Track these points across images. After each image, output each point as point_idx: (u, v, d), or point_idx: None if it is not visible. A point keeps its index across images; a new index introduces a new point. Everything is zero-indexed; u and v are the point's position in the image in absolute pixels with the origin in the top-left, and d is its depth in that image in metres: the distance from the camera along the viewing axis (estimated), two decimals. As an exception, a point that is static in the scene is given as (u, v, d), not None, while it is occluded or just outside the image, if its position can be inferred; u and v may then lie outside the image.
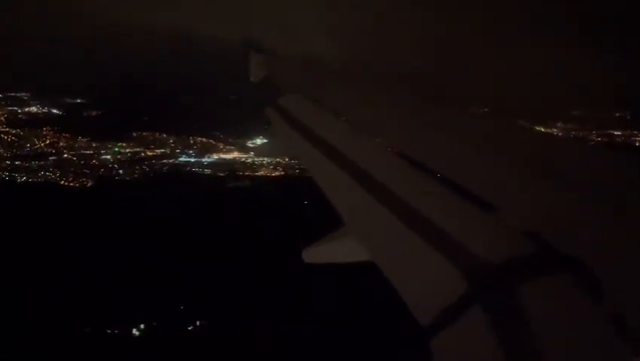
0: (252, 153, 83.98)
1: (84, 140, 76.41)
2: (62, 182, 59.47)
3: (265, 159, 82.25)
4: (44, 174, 61.15)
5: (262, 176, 74.46)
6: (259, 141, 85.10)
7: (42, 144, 71.71)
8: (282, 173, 76.39)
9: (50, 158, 67.58)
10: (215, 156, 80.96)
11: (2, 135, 71.73)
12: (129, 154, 75.93)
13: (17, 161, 64.12)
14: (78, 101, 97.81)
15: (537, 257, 1.73)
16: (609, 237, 1.69)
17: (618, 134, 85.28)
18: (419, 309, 1.87)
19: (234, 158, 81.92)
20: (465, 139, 2.77)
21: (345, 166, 3.08)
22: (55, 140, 74.36)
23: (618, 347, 1.40)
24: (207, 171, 73.98)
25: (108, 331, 33.69)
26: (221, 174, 72.54)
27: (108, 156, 73.23)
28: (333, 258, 3.04)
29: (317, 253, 3.18)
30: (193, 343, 33.15)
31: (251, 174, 75.01)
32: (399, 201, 2.46)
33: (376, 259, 2.33)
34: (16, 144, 70.06)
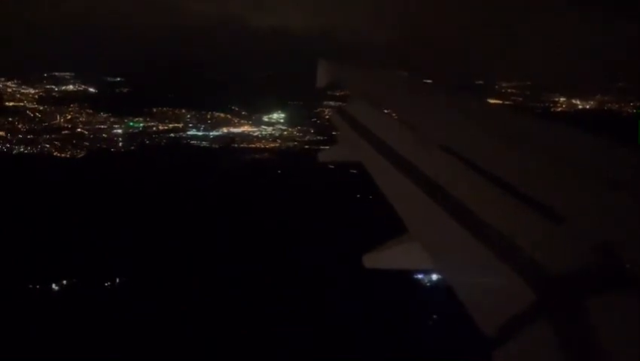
0: (264, 126, 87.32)
1: (105, 115, 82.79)
2: (55, 153, 65.71)
3: (267, 131, 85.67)
4: (43, 146, 67.59)
5: (255, 148, 77.82)
6: (275, 116, 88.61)
7: (62, 120, 78.68)
8: (278, 144, 79.54)
9: (63, 132, 74.23)
10: (225, 130, 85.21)
11: (28, 111, 79.39)
12: (140, 128, 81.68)
13: (30, 135, 71.12)
14: (118, 79, 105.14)
15: (608, 271, 1.67)
16: None
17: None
18: (484, 319, 1.85)
19: (242, 131, 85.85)
20: (537, 150, 2.71)
21: (411, 175, 3.03)
22: (77, 115, 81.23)
23: None
24: (204, 143, 78.36)
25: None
26: (215, 146, 76.65)
27: (120, 130, 79.16)
28: (395, 264, 3.06)
29: (378, 259, 3.19)
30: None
31: (246, 145, 78.53)
32: (466, 210, 2.42)
33: (441, 267, 2.34)
34: (37, 119, 77.42)
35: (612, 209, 1.97)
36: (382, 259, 3.16)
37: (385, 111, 4.51)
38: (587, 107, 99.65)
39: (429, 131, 3.68)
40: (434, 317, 34.80)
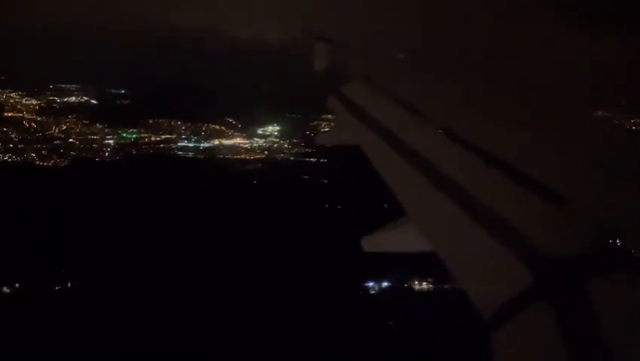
0: (257, 138, 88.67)
1: (100, 126, 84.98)
2: (38, 162, 67.72)
3: (258, 143, 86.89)
4: (29, 155, 69.69)
5: (240, 159, 79.08)
6: (270, 128, 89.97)
7: (56, 130, 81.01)
8: (264, 156, 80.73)
9: (54, 142, 76.43)
10: (216, 142, 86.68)
11: (25, 122, 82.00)
12: (133, 139, 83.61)
13: (21, 145, 73.45)
14: (122, 92, 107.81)
15: (608, 254, 1.70)
16: None
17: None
18: (482, 301, 1.86)
19: (234, 143, 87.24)
20: (537, 133, 2.71)
21: (409, 157, 3.02)
22: (72, 126, 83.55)
23: None
24: (190, 153, 79.87)
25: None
26: (201, 157, 78.11)
27: (111, 141, 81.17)
28: (393, 247, 3.05)
29: (377, 242, 3.19)
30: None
31: (232, 157, 79.91)
32: (464, 192, 2.40)
33: (439, 250, 2.33)
34: (32, 129, 79.88)
35: (612, 193, 1.95)
36: (381, 242, 3.18)
37: (386, 94, 4.43)
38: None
39: (430, 114, 3.66)
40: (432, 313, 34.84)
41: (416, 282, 40.13)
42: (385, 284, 39.70)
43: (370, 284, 38.95)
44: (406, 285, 37.21)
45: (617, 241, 1.73)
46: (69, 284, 40.93)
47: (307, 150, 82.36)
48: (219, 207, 54.65)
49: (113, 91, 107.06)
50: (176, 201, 55.84)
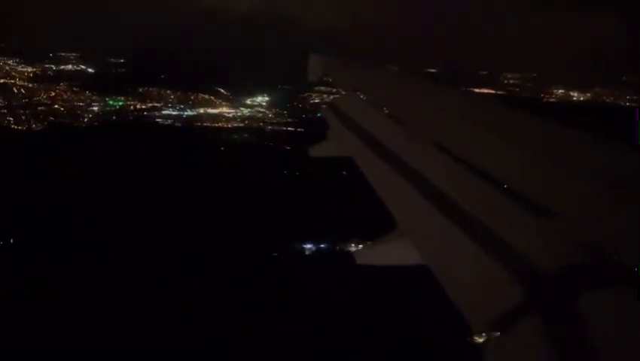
0: (242, 108, 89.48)
1: (89, 94, 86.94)
2: (13, 126, 69.97)
3: (243, 113, 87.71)
4: (5, 118, 71.98)
5: (218, 127, 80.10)
6: (259, 99, 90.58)
7: (44, 96, 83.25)
8: (242, 124, 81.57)
9: (39, 108, 78.66)
10: (201, 110, 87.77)
11: (14, 88, 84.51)
12: (118, 106, 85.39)
13: (4, 110, 75.90)
14: (121, 60, 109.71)
15: (597, 267, 1.69)
16: None
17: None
18: (473, 315, 1.86)
19: (219, 112, 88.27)
20: (527, 144, 2.73)
21: (401, 170, 3.06)
22: (60, 93, 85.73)
23: None
24: (169, 120, 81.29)
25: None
26: (179, 124, 79.49)
27: (96, 108, 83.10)
28: (386, 260, 3.10)
29: (370, 255, 3.26)
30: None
31: (210, 124, 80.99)
32: (456, 206, 2.43)
33: (430, 263, 2.34)
34: (20, 95, 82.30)
35: (603, 206, 1.95)
36: (374, 254, 3.23)
37: (376, 107, 4.52)
38: (582, 98, 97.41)
39: (420, 127, 3.72)
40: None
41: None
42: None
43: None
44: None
45: (608, 253, 1.73)
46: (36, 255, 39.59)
47: (289, 119, 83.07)
48: (180, 171, 55.47)
49: (112, 60, 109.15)
50: (142, 165, 56.88)
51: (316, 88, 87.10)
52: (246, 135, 75.02)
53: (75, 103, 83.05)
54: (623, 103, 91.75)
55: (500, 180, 2.41)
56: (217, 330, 32.86)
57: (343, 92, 5.44)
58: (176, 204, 48.69)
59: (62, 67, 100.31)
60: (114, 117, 79.13)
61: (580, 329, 1.49)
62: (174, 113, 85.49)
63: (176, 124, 79.07)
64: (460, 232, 2.26)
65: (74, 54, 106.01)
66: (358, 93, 5.04)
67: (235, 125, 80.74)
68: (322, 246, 45.95)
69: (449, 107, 3.98)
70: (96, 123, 75.68)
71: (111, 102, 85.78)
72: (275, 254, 44.40)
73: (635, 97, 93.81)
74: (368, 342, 32.08)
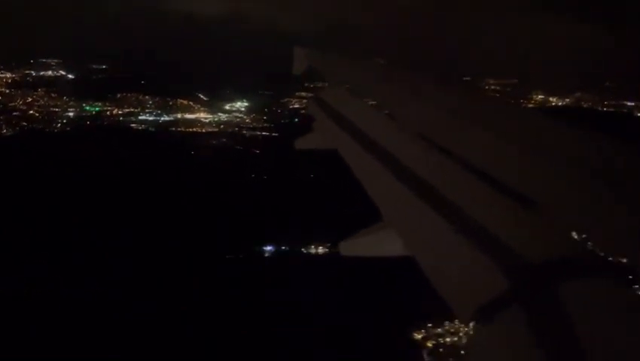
0: (221, 113, 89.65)
1: (66, 99, 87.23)
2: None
3: (221, 118, 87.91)
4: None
5: (192, 132, 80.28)
6: (239, 104, 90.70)
7: (20, 102, 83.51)
8: (217, 129, 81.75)
9: (13, 113, 78.86)
10: (178, 115, 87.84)
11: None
12: (94, 112, 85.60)
13: (-22, 115, 76.05)
14: (103, 67, 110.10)
15: (582, 259, 1.72)
16: None
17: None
18: (458, 306, 1.90)
19: (196, 117, 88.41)
20: (512, 135, 2.76)
21: (387, 162, 3.08)
22: (37, 99, 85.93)
23: None
24: (143, 126, 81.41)
25: None
26: (152, 129, 79.63)
27: (72, 114, 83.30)
28: (371, 251, 3.14)
29: (355, 246, 3.26)
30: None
31: (184, 129, 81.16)
32: (440, 197, 2.46)
33: (415, 254, 2.37)
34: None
35: (585, 196, 1.98)
36: (359, 246, 3.25)
37: (363, 99, 4.49)
38: (560, 104, 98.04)
39: (407, 119, 3.70)
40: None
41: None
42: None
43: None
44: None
45: (591, 244, 1.78)
46: None
47: (265, 124, 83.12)
48: (141, 174, 55.59)
49: (94, 66, 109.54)
50: (109, 170, 56.95)
51: (297, 93, 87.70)
52: (219, 140, 75.10)
53: (51, 109, 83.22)
54: (600, 108, 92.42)
55: (486, 172, 2.41)
56: (198, 328, 32.99)
57: (329, 85, 5.37)
58: (135, 206, 48.76)
59: (42, 73, 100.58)
60: (88, 122, 79.21)
61: (562, 317, 1.52)
62: (150, 118, 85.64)
63: (149, 129, 79.19)
64: (445, 223, 2.27)
65: (55, 60, 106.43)
66: (344, 85, 5.03)
67: (209, 130, 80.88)
68: (304, 240, 46.22)
69: (437, 100, 3.92)
70: (68, 128, 75.82)
71: (87, 108, 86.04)
72: (257, 250, 45.04)
73: (613, 102, 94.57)
74: (353, 335, 32.20)
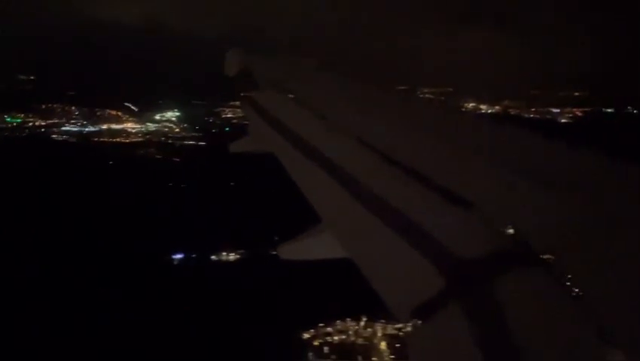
0: (150, 124, 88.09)
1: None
2: None
3: (149, 128, 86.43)
4: None
5: (114, 142, 78.61)
6: (169, 114, 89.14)
7: None
8: (142, 139, 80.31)
9: None
10: (104, 126, 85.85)
11: None
12: (15, 124, 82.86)
13: None
14: (31, 77, 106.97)
15: (514, 254, 1.78)
16: (584, 236, 1.70)
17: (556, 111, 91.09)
18: (396, 306, 1.91)
19: (123, 128, 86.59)
20: (442, 136, 2.81)
21: (322, 163, 3.08)
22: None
23: (591, 341, 1.46)
24: (64, 136, 79.27)
25: None
26: (73, 140, 77.62)
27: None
28: (310, 255, 3.08)
29: (294, 250, 3.20)
30: None
31: (107, 140, 79.37)
32: (376, 198, 2.48)
33: (354, 256, 2.37)
34: None
35: (515, 193, 2.04)
36: (297, 249, 3.19)
37: (297, 101, 4.50)
38: (489, 111, 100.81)
39: (340, 120, 3.73)
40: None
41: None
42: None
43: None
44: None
45: (521, 240, 1.81)
46: None
47: (194, 134, 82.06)
48: (55, 185, 54.03)
49: (21, 76, 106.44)
50: (14, 180, 54.88)
51: (231, 103, 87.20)
52: (142, 150, 73.77)
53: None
54: (526, 115, 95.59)
55: (419, 172, 2.43)
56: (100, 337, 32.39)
57: (262, 86, 5.36)
58: (35, 216, 47.32)
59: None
60: (6, 134, 76.57)
61: (497, 312, 1.56)
62: (74, 129, 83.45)
63: (70, 140, 76.97)
64: (382, 224, 2.28)
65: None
66: (277, 87, 4.99)
67: (134, 140, 79.30)
68: (214, 247, 45.59)
69: (368, 101, 4.03)
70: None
71: (8, 119, 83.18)
72: (166, 258, 44.22)
73: (540, 109, 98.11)
74: (241, 337, 32.05)
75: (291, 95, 4.67)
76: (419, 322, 1.76)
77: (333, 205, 2.80)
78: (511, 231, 1.90)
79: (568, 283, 1.59)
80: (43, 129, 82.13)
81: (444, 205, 2.19)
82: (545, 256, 1.70)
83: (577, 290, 1.56)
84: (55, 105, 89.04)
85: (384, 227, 2.26)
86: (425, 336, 1.75)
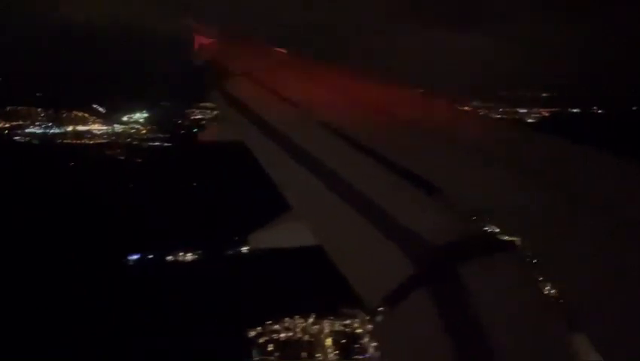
0: (117, 125, 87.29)
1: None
2: None
3: (116, 130, 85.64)
4: None
5: (79, 144, 77.85)
6: (137, 115, 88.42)
7: None
8: (106, 140, 79.60)
9: None
10: (69, 128, 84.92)
11: None
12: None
13: None
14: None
15: (480, 240, 1.81)
16: (548, 221, 1.73)
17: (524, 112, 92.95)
18: (365, 292, 1.91)
19: (88, 129, 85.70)
20: (414, 124, 2.84)
21: (292, 151, 3.09)
22: None
23: (554, 323, 1.49)
24: (26, 138, 78.33)
25: None
26: (35, 142, 76.67)
27: (-50, 127, 79.05)
28: (281, 243, 3.07)
29: (264, 238, 3.19)
30: None
31: (71, 141, 78.52)
32: (347, 185, 2.50)
33: (324, 243, 2.36)
34: None
35: (483, 181, 2.05)
36: (268, 238, 3.15)
37: (267, 89, 4.47)
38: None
39: (310, 108, 3.73)
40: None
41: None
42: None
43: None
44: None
45: (488, 226, 1.83)
46: None
47: (160, 135, 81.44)
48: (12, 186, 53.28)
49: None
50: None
51: (202, 104, 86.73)
52: (106, 151, 73.14)
53: None
54: (494, 115, 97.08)
55: (389, 160, 2.44)
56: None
57: (232, 75, 5.31)
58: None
59: None
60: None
61: (463, 297, 1.59)
62: (38, 131, 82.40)
63: (34, 142, 75.99)
64: (352, 211, 2.28)
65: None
66: (247, 76, 4.95)
67: (99, 141, 78.54)
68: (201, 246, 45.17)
69: (339, 89, 4.05)
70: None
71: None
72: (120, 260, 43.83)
73: (507, 109, 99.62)
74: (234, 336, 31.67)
75: (261, 84, 4.70)
76: (389, 308, 1.76)
77: (304, 193, 2.79)
78: (477, 216, 1.92)
79: (535, 263, 1.63)
80: (6, 131, 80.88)
81: (413, 192, 2.22)
82: (511, 239, 1.72)
83: (542, 273, 1.58)
84: (20, 107, 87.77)
85: (355, 214, 2.27)
86: (394, 322, 1.75)
